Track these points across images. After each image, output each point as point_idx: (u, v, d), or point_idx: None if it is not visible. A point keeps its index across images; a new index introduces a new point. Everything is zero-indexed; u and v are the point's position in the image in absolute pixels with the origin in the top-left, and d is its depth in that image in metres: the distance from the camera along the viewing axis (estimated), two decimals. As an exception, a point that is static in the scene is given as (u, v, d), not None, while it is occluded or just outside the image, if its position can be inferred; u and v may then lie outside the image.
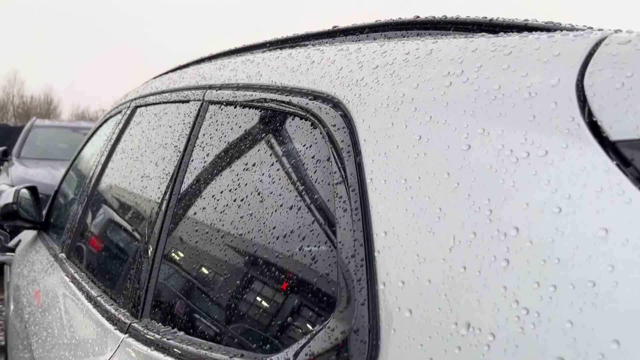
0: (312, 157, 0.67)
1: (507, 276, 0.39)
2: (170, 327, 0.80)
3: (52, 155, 6.80)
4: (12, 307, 1.96)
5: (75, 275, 1.36)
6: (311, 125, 0.69)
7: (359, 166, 0.57)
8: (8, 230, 3.12)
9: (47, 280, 1.60)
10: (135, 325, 0.88)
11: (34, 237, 2.53)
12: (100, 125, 2.14)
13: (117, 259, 1.18)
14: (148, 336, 0.81)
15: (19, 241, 2.92)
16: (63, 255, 1.68)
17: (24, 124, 9.33)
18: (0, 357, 4.11)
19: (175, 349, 0.72)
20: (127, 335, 0.88)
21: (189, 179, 0.95)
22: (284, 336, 0.58)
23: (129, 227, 1.17)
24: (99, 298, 1.10)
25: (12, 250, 2.90)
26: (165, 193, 1.01)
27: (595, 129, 0.41)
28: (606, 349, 0.33)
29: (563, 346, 0.35)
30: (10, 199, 2.32)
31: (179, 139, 1.06)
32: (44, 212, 2.56)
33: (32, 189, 2.50)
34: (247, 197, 0.76)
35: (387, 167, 0.53)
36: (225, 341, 0.67)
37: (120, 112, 1.78)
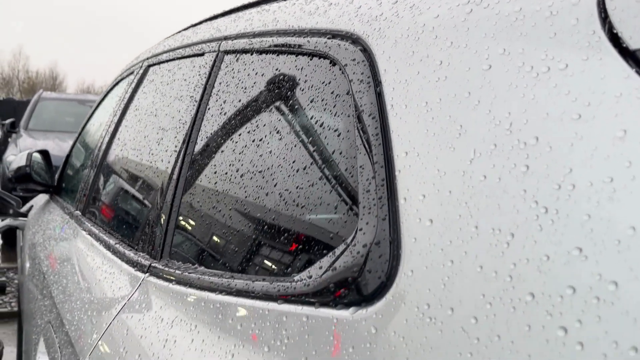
0: (332, 93, 0.68)
1: (527, 180, 0.41)
2: (190, 264, 0.82)
3: (59, 127, 6.82)
4: (27, 265, 2.01)
5: (92, 228, 1.40)
6: (330, 63, 0.70)
7: (379, 95, 0.58)
8: (22, 192, 3.16)
9: (64, 236, 1.64)
10: (155, 265, 0.91)
11: (47, 201, 2.56)
12: (112, 88, 2.15)
13: (134, 208, 1.21)
14: (168, 273, 0.84)
15: (31, 206, 2.96)
16: (78, 212, 1.71)
17: (30, 99, 9.35)
18: (13, 322, 4.20)
19: (196, 281, 0.75)
20: (147, 274, 0.91)
21: (206, 125, 0.97)
22: (305, 259, 0.61)
23: (146, 178, 1.19)
24: (117, 246, 1.13)
25: (25, 215, 2.95)
26: (183, 142, 1.02)
27: (615, 40, 0.42)
28: (623, 235, 0.35)
29: (581, 237, 0.36)
30: (23, 162, 2.35)
31: (195, 90, 1.08)
32: (56, 177, 2.59)
33: (44, 153, 2.52)
34: (266, 136, 0.78)
35: (408, 93, 0.55)
36: (247, 270, 0.69)
37: (132, 72, 1.79)
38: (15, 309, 4.31)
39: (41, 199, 2.80)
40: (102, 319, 0.91)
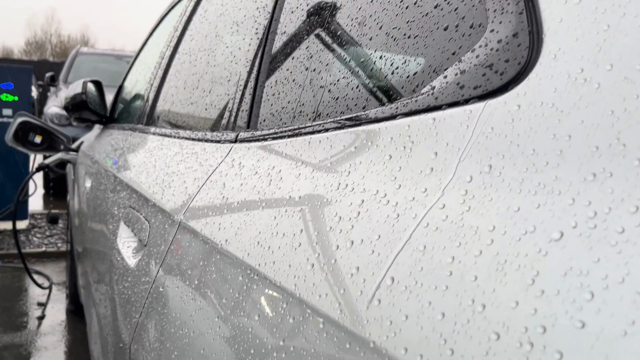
0: None
1: None
2: (284, 125, 0.84)
3: (97, 81, 6.92)
4: (88, 184, 2.07)
5: (161, 130, 1.43)
6: None
7: None
8: (76, 123, 3.24)
9: (129, 145, 1.68)
10: (243, 134, 0.93)
11: (99, 133, 2.62)
12: (166, 14, 2.16)
13: (209, 99, 1.23)
14: (261, 135, 0.86)
15: (82, 142, 3.03)
16: (140, 125, 1.75)
17: (64, 61, 9.51)
18: (60, 261, 4.38)
19: (297, 131, 0.76)
20: (237, 143, 0.93)
21: (287, 10, 0.97)
22: (423, 77, 0.61)
23: (220, 69, 1.21)
24: (195, 133, 1.15)
25: (75, 151, 3.02)
26: (265, 28, 1.03)
27: None
28: None
29: None
30: (79, 89, 2.40)
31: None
32: (108, 108, 2.63)
33: (97, 84, 2.57)
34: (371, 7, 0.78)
35: None
36: (355, 108, 0.70)
37: (190, -8, 1.79)
38: (62, 249, 4.49)
39: (92, 134, 2.86)
40: (195, 184, 0.93)
